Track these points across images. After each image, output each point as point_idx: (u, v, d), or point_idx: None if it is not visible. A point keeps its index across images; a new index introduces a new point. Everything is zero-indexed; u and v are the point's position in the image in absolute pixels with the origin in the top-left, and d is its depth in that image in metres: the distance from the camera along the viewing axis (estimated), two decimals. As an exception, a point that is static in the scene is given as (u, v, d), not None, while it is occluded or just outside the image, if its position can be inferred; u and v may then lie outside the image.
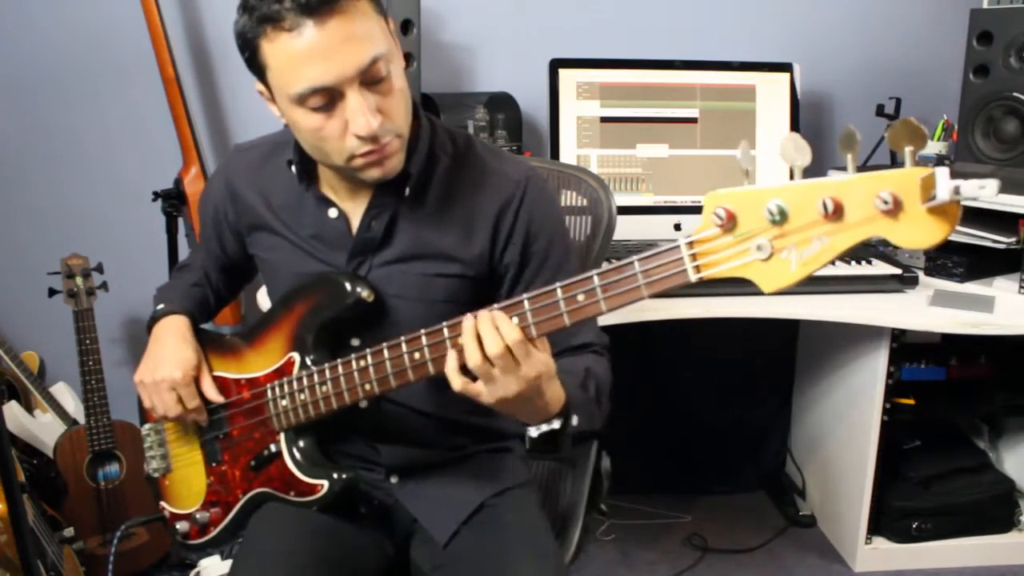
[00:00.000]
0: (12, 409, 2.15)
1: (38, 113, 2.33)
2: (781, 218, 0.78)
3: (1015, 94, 2.09)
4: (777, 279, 0.79)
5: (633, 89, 2.31)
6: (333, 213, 1.19)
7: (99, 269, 2.04)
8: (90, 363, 2.01)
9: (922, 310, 1.98)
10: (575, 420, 1.06)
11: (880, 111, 2.45)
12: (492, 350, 0.94)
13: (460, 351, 0.98)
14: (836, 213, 0.75)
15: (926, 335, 2.12)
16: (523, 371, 0.95)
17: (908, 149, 0.73)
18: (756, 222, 0.79)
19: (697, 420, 2.58)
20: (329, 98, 1.01)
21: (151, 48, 2.12)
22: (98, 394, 2.02)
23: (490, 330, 0.94)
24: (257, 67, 1.05)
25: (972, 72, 2.18)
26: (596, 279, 0.91)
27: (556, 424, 1.04)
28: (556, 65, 2.27)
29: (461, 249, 1.17)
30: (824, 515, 2.44)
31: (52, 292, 2.02)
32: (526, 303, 0.95)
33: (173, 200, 2.19)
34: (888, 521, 2.22)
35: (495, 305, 0.97)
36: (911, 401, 2.14)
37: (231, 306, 2.20)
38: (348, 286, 1.15)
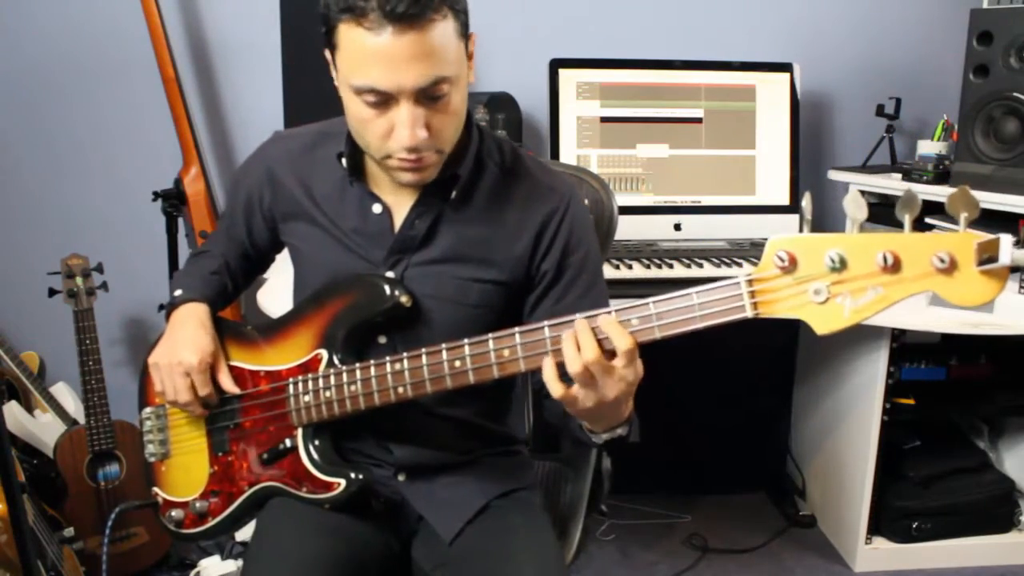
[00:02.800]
0: (12, 409, 2.15)
1: (38, 113, 2.33)
2: (841, 266, 0.83)
3: (1015, 94, 2.09)
4: (831, 323, 0.84)
5: (633, 89, 2.32)
6: (377, 208, 1.19)
7: (99, 269, 2.04)
8: (90, 363, 2.01)
9: (922, 310, 1.98)
10: (628, 429, 1.10)
11: (880, 111, 2.45)
12: (589, 356, 0.94)
13: (556, 358, 0.98)
14: (894, 266, 0.80)
15: (926, 335, 2.12)
16: (624, 374, 0.97)
17: (963, 215, 0.78)
18: (816, 267, 0.84)
19: (697, 420, 2.58)
20: (383, 99, 1.03)
21: (151, 48, 2.12)
22: (98, 394, 2.02)
23: (588, 337, 0.95)
24: (330, 43, 1.06)
25: (972, 72, 2.18)
26: (652, 306, 0.93)
27: (623, 431, 1.08)
28: (556, 65, 2.28)
29: (502, 252, 1.19)
30: (824, 515, 2.44)
31: (52, 292, 2.02)
32: (577, 323, 0.96)
33: (173, 200, 2.19)
34: (888, 521, 2.23)
35: (545, 322, 0.98)
36: (911, 401, 2.14)
37: (231, 307, 2.21)
38: (387, 290, 1.15)
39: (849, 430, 2.25)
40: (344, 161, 1.18)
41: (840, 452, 2.31)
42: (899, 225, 0.81)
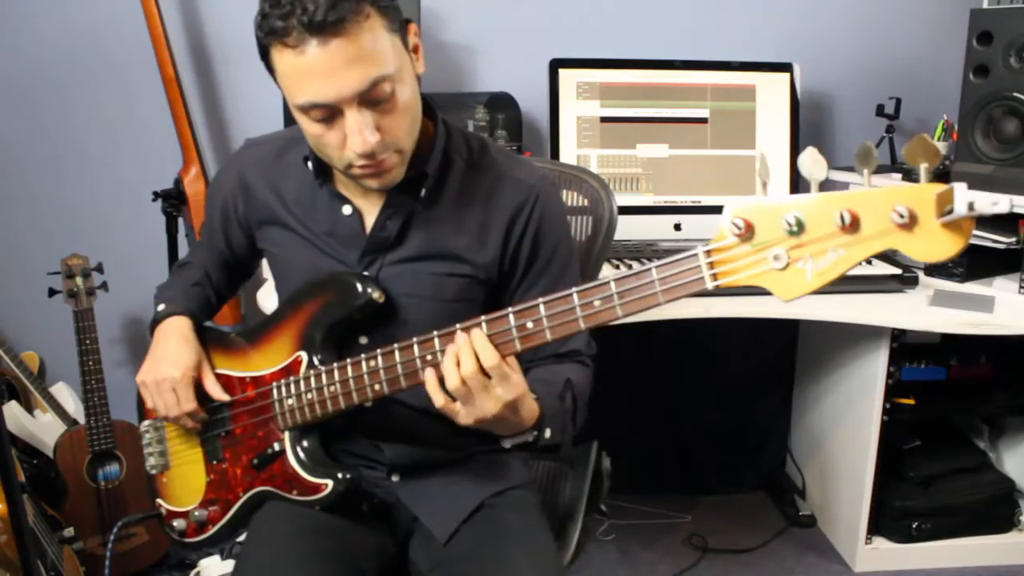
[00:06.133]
0: (12, 409, 2.15)
1: (38, 113, 2.33)
2: (799, 229, 0.79)
3: (1015, 94, 2.09)
4: (793, 288, 0.81)
5: (633, 89, 2.31)
6: (347, 210, 1.19)
7: (99, 269, 2.04)
8: (90, 363, 2.01)
9: (922, 310, 1.98)
10: (548, 434, 1.10)
11: (880, 111, 2.45)
12: (467, 370, 0.97)
13: (438, 369, 1.01)
14: (852, 225, 0.77)
15: (926, 335, 2.12)
16: (499, 392, 0.99)
17: (923, 165, 0.75)
18: (774, 232, 0.81)
19: (698, 420, 2.58)
20: (329, 112, 1.02)
21: (151, 48, 2.12)
22: (98, 394, 2.02)
23: (468, 353, 0.98)
24: (270, 70, 1.06)
25: (972, 72, 2.18)
26: (613, 285, 0.92)
27: (529, 438, 1.08)
28: (556, 65, 2.27)
29: (474, 252, 1.19)
30: (824, 515, 2.44)
31: (52, 292, 2.02)
32: (542, 308, 0.96)
33: (173, 200, 2.19)
34: (888, 521, 2.23)
35: (509, 308, 0.99)
36: (911, 401, 2.14)
37: (231, 306, 2.21)
38: (359, 287, 1.15)
39: (849, 430, 2.25)
40: (310, 164, 1.18)
41: (840, 452, 2.31)
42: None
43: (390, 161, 1.07)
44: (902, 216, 0.74)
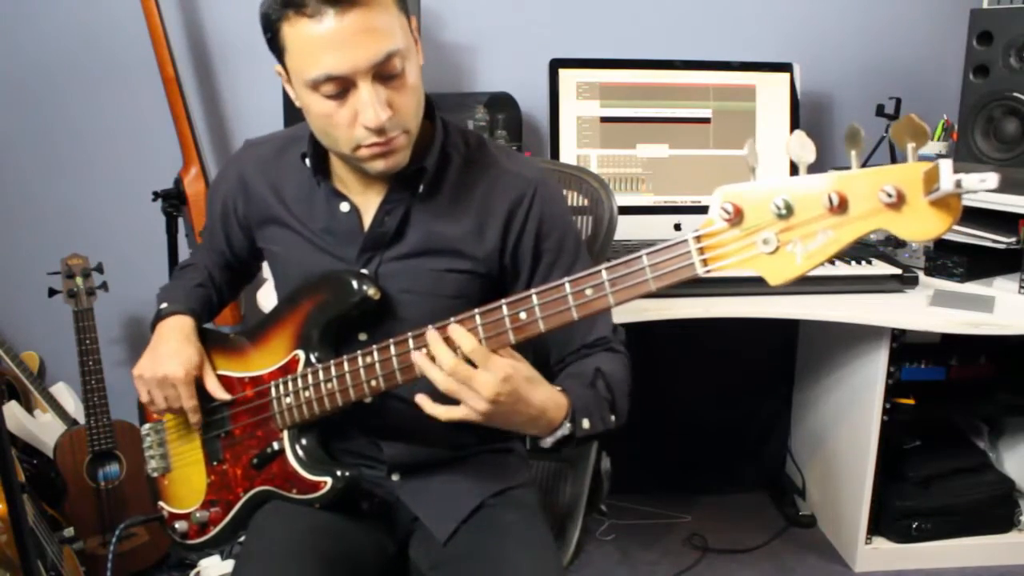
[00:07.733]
0: (12, 409, 2.16)
1: (38, 113, 2.33)
2: (787, 212, 0.79)
3: (1015, 94, 2.09)
4: (783, 272, 0.81)
5: (633, 89, 2.31)
6: (345, 207, 1.20)
7: (99, 269, 2.04)
8: (90, 363, 2.01)
9: (922, 310, 1.98)
10: (586, 423, 1.09)
11: (880, 111, 2.45)
12: (448, 363, 0.98)
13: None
14: (841, 207, 0.77)
15: (926, 335, 2.11)
16: (486, 377, 0.98)
17: (911, 145, 0.75)
18: (763, 216, 0.81)
19: (697, 420, 2.58)
20: (342, 87, 1.03)
21: (151, 48, 2.12)
22: (98, 394, 2.02)
23: (440, 346, 0.99)
24: (277, 49, 1.07)
25: (972, 72, 2.18)
26: (604, 273, 0.92)
27: (566, 430, 1.07)
28: (556, 65, 2.27)
29: (472, 246, 1.19)
30: (824, 515, 2.44)
31: (52, 292, 2.02)
32: (534, 298, 0.97)
33: (173, 200, 2.19)
34: (888, 521, 2.22)
35: (502, 300, 0.99)
36: (911, 401, 2.14)
37: (231, 307, 2.21)
38: (354, 284, 1.16)
39: (849, 430, 2.25)
40: (308, 161, 1.19)
41: (840, 452, 2.31)
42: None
43: (398, 141, 1.08)
44: (890, 195, 0.73)
